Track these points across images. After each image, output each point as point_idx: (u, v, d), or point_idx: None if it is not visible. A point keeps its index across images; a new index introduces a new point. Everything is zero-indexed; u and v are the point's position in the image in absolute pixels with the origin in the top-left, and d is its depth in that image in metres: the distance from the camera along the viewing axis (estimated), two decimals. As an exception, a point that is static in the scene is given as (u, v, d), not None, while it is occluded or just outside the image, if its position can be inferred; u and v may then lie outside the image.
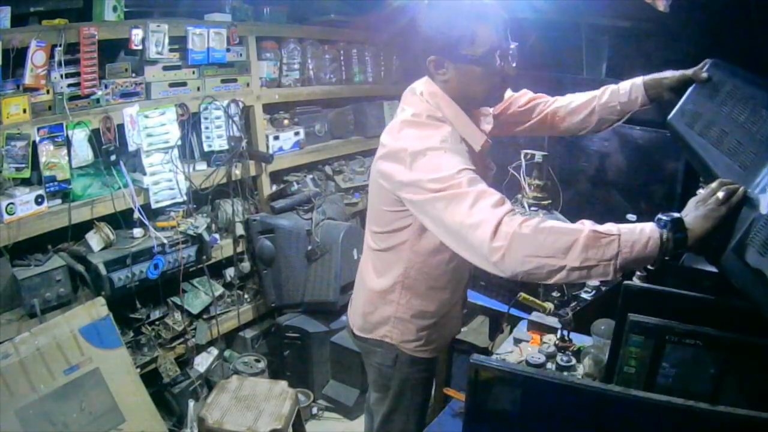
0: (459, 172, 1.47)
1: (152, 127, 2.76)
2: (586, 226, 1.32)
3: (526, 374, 1.26)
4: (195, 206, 3.01)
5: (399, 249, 1.77)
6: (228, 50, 3.06)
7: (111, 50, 2.65)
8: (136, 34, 2.63)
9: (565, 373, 1.81)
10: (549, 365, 1.87)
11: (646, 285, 1.48)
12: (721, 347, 1.29)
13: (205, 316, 3.09)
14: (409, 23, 3.73)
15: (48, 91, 2.40)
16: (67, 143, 2.45)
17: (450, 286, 1.87)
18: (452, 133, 1.63)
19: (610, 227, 1.31)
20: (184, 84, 2.92)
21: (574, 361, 1.88)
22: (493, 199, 1.41)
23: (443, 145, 1.56)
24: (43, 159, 2.38)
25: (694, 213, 1.29)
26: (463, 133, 1.68)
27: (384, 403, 1.98)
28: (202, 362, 3.08)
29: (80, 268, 2.49)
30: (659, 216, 1.30)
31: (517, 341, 2.08)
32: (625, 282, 1.45)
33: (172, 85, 2.86)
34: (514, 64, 1.67)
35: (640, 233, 1.28)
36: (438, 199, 1.47)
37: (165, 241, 2.71)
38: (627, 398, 1.12)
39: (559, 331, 2.04)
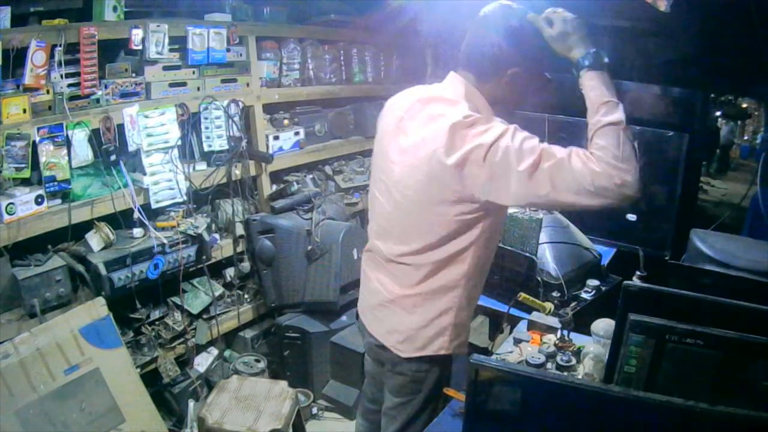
0: (533, 140, 1.57)
1: (152, 127, 2.76)
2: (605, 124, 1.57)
3: (526, 374, 1.26)
4: (195, 206, 3.01)
5: (462, 255, 1.72)
6: (228, 50, 3.06)
7: (111, 50, 2.64)
8: (136, 34, 2.63)
9: (565, 373, 1.81)
10: (549, 365, 1.87)
11: (646, 285, 1.48)
12: (721, 347, 1.28)
13: (205, 316, 3.09)
14: (410, 23, 3.75)
15: (48, 91, 2.40)
16: (67, 143, 2.45)
17: (487, 273, 1.88)
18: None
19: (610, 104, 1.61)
20: (184, 84, 2.92)
21: (574, 361, 1.88)
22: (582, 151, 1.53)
23: (506, 126, 1.59)
24: (43, 159, 2.38)
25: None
26: None
27: (409, 406, 1.92)
28: (202, 362, 3.09)
29: (80, 268, 2.49)
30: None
31: (517, 341, 2.08)
32: (625, 282, 1.45)
33: (172, 85, 2.86)
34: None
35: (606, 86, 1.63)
36: (541, 170, 1.51)
37: (165, 241, 2.71)
38: (627, 398, 1.12)
39: (559, 331, 2.04)
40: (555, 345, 1.96)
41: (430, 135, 1.63)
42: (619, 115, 1.58)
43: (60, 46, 2.37)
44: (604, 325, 1.97)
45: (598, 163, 1.48)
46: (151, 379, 2.74)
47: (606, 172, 1.47)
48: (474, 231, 1.69)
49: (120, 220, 2.68)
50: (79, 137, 2.49)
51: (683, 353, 1.31)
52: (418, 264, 1.75)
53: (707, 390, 1.29)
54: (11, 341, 2.20)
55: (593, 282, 2.59)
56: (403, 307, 1.82)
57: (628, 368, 1.37)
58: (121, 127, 2.65)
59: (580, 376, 1.82)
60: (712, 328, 1.30)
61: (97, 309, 2.43)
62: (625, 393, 1.14)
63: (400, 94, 1.88)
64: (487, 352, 2.59)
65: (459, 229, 1.68)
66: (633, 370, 1.37)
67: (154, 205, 2.80)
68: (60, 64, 2.40)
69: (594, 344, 1.93)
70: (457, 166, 1.57)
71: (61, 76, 2.42)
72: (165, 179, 2.84)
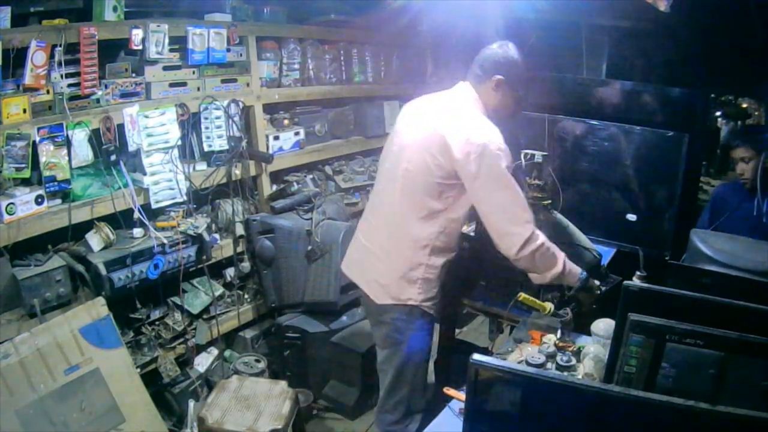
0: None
1: (152, 127, 2.76)
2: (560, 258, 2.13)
3: (526, 374, 1.26)
4: (195, 206, 3.01)
5: (437, 215, 2.15)
6: (228, 50, 3.06)
7: (111, 50, 2.64)
8: (136, 34, 2.63)
9: (565, 373, 1.81)
10: (549, 365, 1.87)
11: (646, 285, 1.48)
12: (721, 347, 1.29)
13: (205, 316, 3.09)
14: (410, 23, 3.75)
15: (48, 91, 2.40)
16: (67, 143, 2.45)
17: (457, 248, 2.28)
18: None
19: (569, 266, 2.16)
20: (184, 84, 2.92)
21: (574, 361, 1.88)
22: (530, 215, 2.09)
23: (504, 145, 2.07)
24: (43, 159, 2.38)
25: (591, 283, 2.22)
26: None
27: (395, 358, 2.28)
28: (202, 362, 3.08)
29: (80, 268, 2.49)
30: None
31: (517, 341, 2.08)
32: (625, 282, 1.45)
33: (172, 85, 2.86)
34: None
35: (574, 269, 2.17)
36: (504, 186, 2.04)
37: (165, 241, 2.71)
38: (627, 398, 1.12)
39: (559, 331, 2.04)
40: (555, 345, 1.96)
41: (444, 118, 2.12)
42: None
43: (60, 46, 2.37)
44: (604, 326, 1.97)
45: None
46: (151, 379, 2.74)
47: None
48: (447, 200, 2.13)
49: (120, 220, 2.68)
50: (79, 137, 2.49)
51: (683, 353, 1.32)
52: (398, 220, 2.20)
53: (707, 390, 1.29)
54: (11, 341, 2.20)
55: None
56: (378, 257, 2.27)
57: (628, 368, 1.38)
58: (121, 127, 2.65)
59: (580, 376, 1.82)
60: (712, 328, 1.30)
61: (97, 309, 2.43)
62: (625, 393, 1.14)
63: (417, 99, 2.36)
64: (487, 352, 2.59)
65: (437, 194, 2.12)
66: (633, 370, 1.37)
67: (154, 205, 2.80)
68: (60, 64, 2.40)
69: (594, 344, 1.93)
70: (459, 158, 2.03)
71: (61, 76, 2.42)
72: (165, 179, 2.84)
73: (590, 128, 3.26)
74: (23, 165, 2.32)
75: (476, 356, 1.23)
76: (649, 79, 3.47)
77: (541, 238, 2.06)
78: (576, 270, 2.17)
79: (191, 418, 2.70)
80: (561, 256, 2.13)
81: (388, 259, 2.24)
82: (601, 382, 1.56)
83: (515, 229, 2.03)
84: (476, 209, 2.13)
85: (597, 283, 2.28)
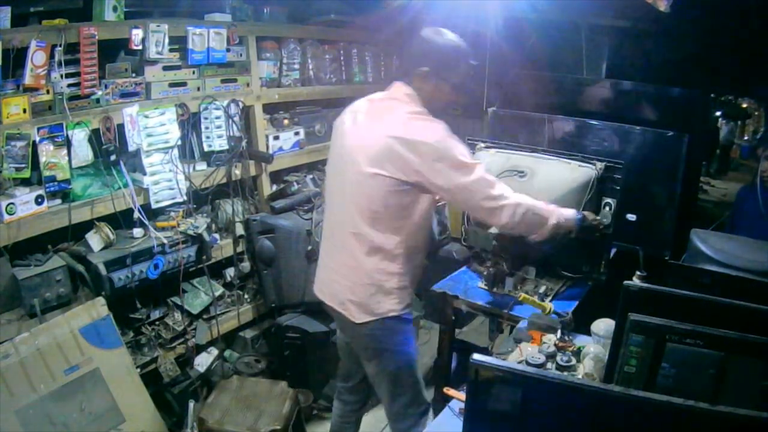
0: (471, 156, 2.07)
1: (152, 127, 2.76)
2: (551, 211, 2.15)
3: (526, 374, 1.26)
4: (195, 206, 3.01)
5: (402, 225, 2.06)
6: (228, 50, 3.06)
7: (111, 50, 2.64)
8: (136, 34, 2.63)
9: (565, 373, 1.81)
10: (549, 365, 1.87)
11: (646, 285, 1.48)
12: (721, 347, 1.29)
13: (205, 316, 3.09)
14: (410, 23, 3.75)
15: (48, 91, 2.40)
16: (67, 143, 2.46)
17: (424, 248, 2.23)
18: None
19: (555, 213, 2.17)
20: (184, 84, 2.92)
21: (574, 361, 1.88)
22: (500, 187, 2.05)
23: (451, 134, 2.01)
24: (43, 159, 2.38)
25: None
26: None
27: (386, 366, 2.21)
28: (202, 362, 3.08)
29: (80, 268, 2.49)
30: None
31: (517, 341, 2.08)
32: (625, 282, 1.45)
33: (172, 85, 2.86)
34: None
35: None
36: (465, 172, 1.98)
37: (165, 241, 2.71)
38: (627, 398, 1.12)
39: (558, 331, 2.04)
40: (555, 345, 1.96)
41: (385, 122, 2.02)
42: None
43: (60, 46, 2.37)
44: (604, 326, 1.97)
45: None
46: (151, 379, 2.74)
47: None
48: (404, 206, 2.03)
49: (120, 220, 2.68)
50: (79, 137, 2.49)
51: (683, 353, 1.32)
52: (355, 235, 2.08)
53: (707, 390, 1.29)
54: (11, 341, 2.20)
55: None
56: (346, 276, 2.14)
57: (628, 368, 1.38)
58: (121, 127, 2.65)
59: (580, 376, 1.82)
60: (712, 328, 1.30)
61: (97, 309, 2.44)
62: (625, 393, 1.14)
63: (357, 101, 2.25)
64: (487, 351, 2.59)
65: (392, 202, 2.01)
66: (633, 370, 1.37)
67: (154, 205, 2.81)
68: (60, 64, 2.40)
69: (594, 344, 1.93)
70: (412, 162, 1.95)
71: (61, 76, 2.42)
72: (165, 179, 2.84)
73: (589, 128, 3.26)
74: (23, 165, 2.32)
75: (476, 356, 1.22)
76: (649, 79, 3.47)
77: (524, 200, 2.07)
78: (570, 214, 2.22)
79: (191, 418, 2.71)
80: (551, 208, 2.16)
81: (356, 276, 2.11)
82: (601, 382, 1.57)
83: (495, 204, 2.03)
84: (453, 203, 2.16)
85: (593, 216, 2.40)
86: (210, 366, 3.11)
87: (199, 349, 3.07)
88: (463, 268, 2.82)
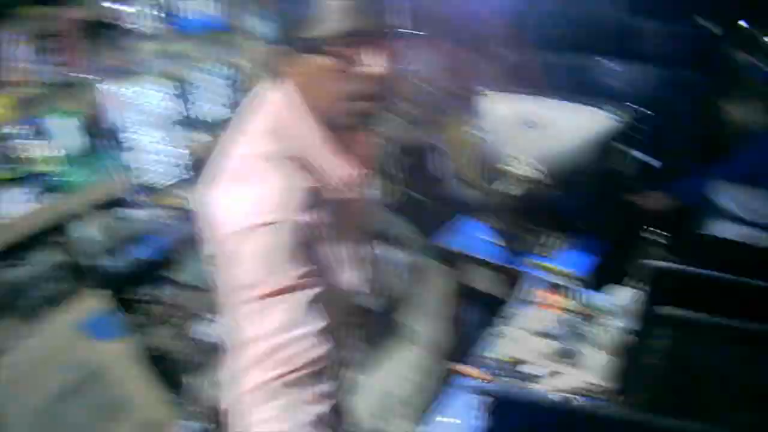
0: None
1: (145, 104, 2.66)
2: None
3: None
4: (196, 176, 2.92)
5: None
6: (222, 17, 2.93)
7: (97, 31, 2.48)
8: (122, 10, 2.50)
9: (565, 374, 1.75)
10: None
11: (675, 266, 1.35)
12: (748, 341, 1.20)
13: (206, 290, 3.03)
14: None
15: (32, 83, 2.26)
16: (57, 134, 2.36)
17: None
18: None
19: None
20: (177, 55, 2.80)
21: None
22: None
23: None
24: (32, 154, 2.29)
25: None
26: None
27: None
28: (206, 334, 3.05)
29: (77, 261, 2.43)
30: None
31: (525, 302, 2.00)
32: (653, 264, 1.33)
33: (164, 57, 2.74)
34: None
35: None
36: None
37: (165, 218, 2.67)
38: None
39: (574, 293, 1.97)
40: (571, 312, 1.89)
41: None
42: None
43: (43, 35, 2.24)
44: (623, 295, 1.90)
45: None
46: (156, 362, 2.69)
47: None
48: None
49: (117, 203, 2.61)
50: (69, 126, 2.39)
51: (705, 347, 1.23)
52: None
53: (733, 387, 1.22)
54: (10, 342, 2.18)
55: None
56: None
57: (648, 359, 1.30)
58: (112, 109, 2.54)
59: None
60: (739, 320, 1.20)
61: (95, 302, 2.40)
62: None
63: None
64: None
65: None
66: (651, 363, 1.30)
67: (151, 184, 2.73)
68: (43, 51, 2.27)
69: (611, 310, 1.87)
70: None
71: (46, 65, 2.29)
72: (163, 155, 2.76)
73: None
74: (11, 164, 2.23)
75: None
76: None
77: None
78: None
79: (199, 397, 2.70)
80: None
81: None
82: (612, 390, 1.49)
83: None
84: None
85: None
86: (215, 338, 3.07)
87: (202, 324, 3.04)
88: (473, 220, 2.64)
